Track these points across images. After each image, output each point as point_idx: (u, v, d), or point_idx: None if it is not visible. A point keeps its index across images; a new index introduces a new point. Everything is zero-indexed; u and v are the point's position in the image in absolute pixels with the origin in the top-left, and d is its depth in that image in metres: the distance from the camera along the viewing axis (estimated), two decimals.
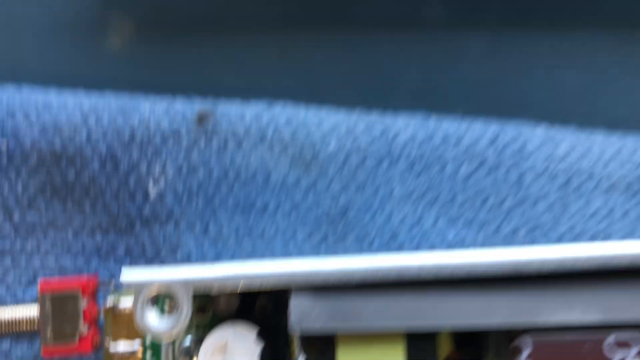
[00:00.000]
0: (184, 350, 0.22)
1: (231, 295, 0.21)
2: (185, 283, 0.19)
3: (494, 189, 0.26)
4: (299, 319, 0.18)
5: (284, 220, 0.26)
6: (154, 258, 0.26)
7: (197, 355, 0.21)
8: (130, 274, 0.19)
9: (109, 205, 0.26)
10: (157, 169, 0.26)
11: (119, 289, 0.26)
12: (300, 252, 0.26)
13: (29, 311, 0.25)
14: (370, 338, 0.18)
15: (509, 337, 0.19)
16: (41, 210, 0.26)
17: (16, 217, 0.26)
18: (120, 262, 0.26)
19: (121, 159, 0.26)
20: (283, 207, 0.26)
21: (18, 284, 0.26)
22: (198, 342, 0.22)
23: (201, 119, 0.26)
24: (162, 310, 0.20)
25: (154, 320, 0.19)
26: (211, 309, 0.22)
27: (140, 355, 0.23)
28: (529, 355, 0.18)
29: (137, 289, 0.19)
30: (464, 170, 0.26)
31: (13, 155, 0.26)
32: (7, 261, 0.26)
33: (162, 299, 0.20)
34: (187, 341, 0.22)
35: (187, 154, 0.26)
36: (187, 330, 0.21)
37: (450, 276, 0.18)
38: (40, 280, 0.24)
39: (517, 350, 0.18)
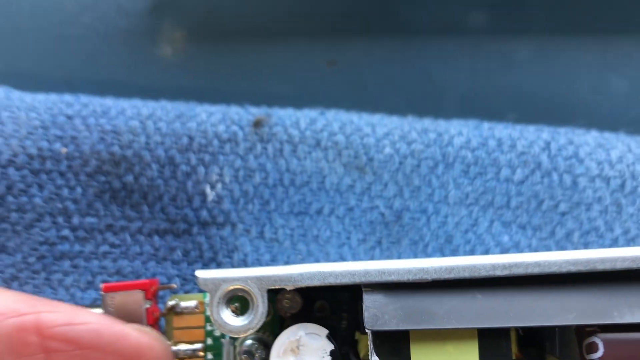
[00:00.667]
0: (245, 351, 0.22)
1: (294, 295, 0.22)
2: (261, 281, 0.19)
3: (548, 193, 0.26)
4: (374, 319, 0.18)
5: (338, 224, 0.27)
6: (211, 261, 0.26)
7: (258, 355, 0.21)
8: (205, 274, 0.19)
9: (167, 209, 0.27)
10: (214, 173, 0.26)
11: (178, 291, 0.26)
12: (355, 256, 0.26)
13: None
14: (443, 335, 0.18)
15: (578, 336, 0.19)
16: (100, 214, 0.27)
17: (75, 220, 0.27)
18: (177, 265, 0.27)
19: (179, 163, 0.26)
20: (337, 211, 0.27)
21: (77, 286, 0.26)
22: (260, 342, 0.22)
23: (257, 125, 0.27)
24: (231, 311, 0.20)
25: (229, 318, 0.19)
26: (273, 310, 0.22)
27: (201, 354, 0.23)
28: (603, 354, 0.18)
29: (213, 288, 0.19)
30: (518, 174, 0.26)
31: (72, 161, 0.26)
32: (66, 264, 0.26)
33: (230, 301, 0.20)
34: (248, 342, 0.22)
35: (244, 159, 0.27)
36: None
37: (524, 274, 0.18)
38: (103, 283, 0.24)
39: (590, 349, 0.18)
